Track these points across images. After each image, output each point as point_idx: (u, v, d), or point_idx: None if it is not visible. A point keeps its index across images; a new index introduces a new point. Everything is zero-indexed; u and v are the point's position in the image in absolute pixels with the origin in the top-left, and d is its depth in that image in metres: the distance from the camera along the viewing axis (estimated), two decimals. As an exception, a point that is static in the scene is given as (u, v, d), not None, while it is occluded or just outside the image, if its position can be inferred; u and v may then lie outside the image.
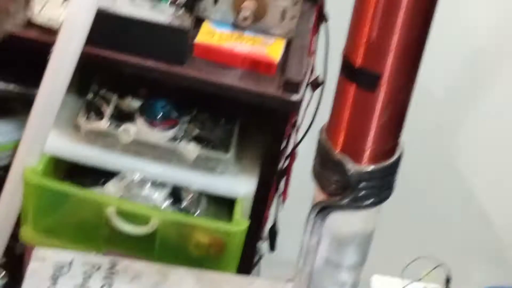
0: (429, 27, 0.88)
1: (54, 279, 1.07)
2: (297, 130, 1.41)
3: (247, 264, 1.37)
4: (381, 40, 0.86)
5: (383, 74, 0.88)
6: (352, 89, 0.91)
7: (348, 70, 0.90)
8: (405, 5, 0.83)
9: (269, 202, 1.42)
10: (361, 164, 0.93)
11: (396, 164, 0.95)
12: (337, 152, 0.93)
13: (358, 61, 0.88)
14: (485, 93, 1.75)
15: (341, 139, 0.93)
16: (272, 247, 1.54)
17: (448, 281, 1.14)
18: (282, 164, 1.44)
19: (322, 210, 0.96)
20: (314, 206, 0.97)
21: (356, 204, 0.94)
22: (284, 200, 1.51)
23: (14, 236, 1.30)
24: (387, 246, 1.58)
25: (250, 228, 1.27)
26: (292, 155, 1.44)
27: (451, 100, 1.77)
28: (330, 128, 0.95)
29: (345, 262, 1.00)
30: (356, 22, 0.87)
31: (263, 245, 1.56)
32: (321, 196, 0.97)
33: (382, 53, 0.86)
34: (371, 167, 0.93)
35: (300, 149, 1.42)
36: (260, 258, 1.57)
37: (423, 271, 1.13)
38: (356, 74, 0.89)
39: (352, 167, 0.92)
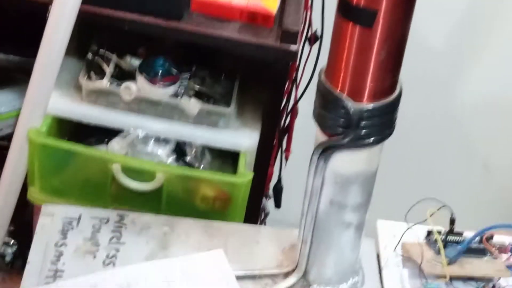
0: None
1: (64, 233, 1.08)
2: (297, 87, 1.41)
3: (253, 218, 1.38)
4: (376, -26, 0.86)
5: (380, 10, 0.88)
6: (349, 27, 0.91)
7: (345, 9, 0.90)
8: None
9: (272, 158, 1.43)
10: (362, 102, 0.93)
11: (396, 101, 0.95)
12: (337, 92, 0.94)
13: (354, -2, 0.89)
14: (486, 41, 1.74)
15: (340, 78, 0.94)
16: (277, 203, 1.55)
17: (452, 222, 1.14)
18: (284, 121, 1.45)
19: (325, 150, 0.97)
20: (316, 147, 0.98)
21: (358, 142, 0.95)
22: (287, 157, 1.51)
23: (22, 204, 1.31)
24: (391, 190, 1.59)
25: (254, 181, 1.27)
26: (293, 112, 1.44)
27: (451, 49, 1.77)
28: (330, 69, 0.96)
29: (349, 203, 1.01)
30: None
31: (269, 203, 1.57)
32: (323, 137, 0.97)
33: (377, -12, 0.87)
34: (371, 105, 0.93)
35: (301, 107, 1.43)
36: (266, 215, 1.58)
37: (427, 213, 1.13)
38: (353, 11, 0.89)
39: (352, 105, 0.93)
